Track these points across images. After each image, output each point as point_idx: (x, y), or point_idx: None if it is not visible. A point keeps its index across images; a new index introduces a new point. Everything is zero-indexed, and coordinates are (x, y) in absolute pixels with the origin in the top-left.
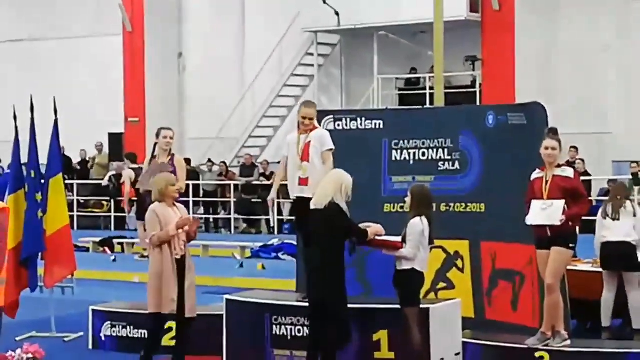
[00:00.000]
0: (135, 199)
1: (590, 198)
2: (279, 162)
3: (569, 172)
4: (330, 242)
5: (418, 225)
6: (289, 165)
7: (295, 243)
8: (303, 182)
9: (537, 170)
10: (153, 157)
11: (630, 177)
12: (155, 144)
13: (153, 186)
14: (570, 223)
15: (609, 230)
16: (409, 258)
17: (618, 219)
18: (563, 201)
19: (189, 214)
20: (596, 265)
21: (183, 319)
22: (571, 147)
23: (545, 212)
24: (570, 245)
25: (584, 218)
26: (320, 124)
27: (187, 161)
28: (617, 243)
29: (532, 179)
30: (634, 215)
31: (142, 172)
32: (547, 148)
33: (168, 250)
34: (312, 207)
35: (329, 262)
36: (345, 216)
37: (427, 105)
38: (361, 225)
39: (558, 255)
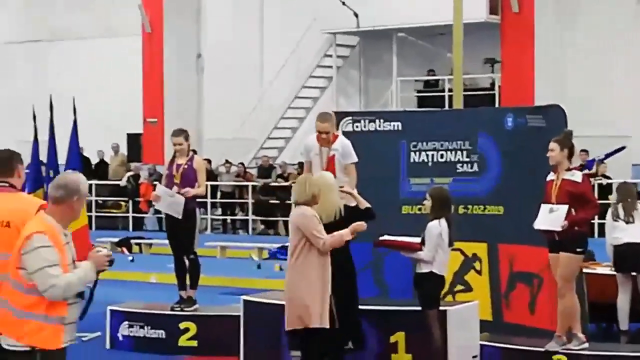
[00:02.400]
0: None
1: (609, 202)
2: (296, 164)
3: (577, 176)
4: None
5: (435, 228)
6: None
7: None
8: None
9: (551, 173)
10: (173, 158)
11: None
12: None
13: (306, 189)
14: (577, 227)
15: (623, 232)
16: (426, 261)
17: (632, 222)
18: (567, 207)
19: (205, 215)
20: (613, 269)
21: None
22: (581, 150)
23: (550, 217)
24: (578, 249)
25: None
26: (338, 126)
27: (207, 162)
28: (632, 244)
29: (547, 181)
30: None
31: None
32: (546, 150)
33: (329, 259)
34: (326, 221)
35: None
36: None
37: (446, 107)
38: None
39: (566, 260)
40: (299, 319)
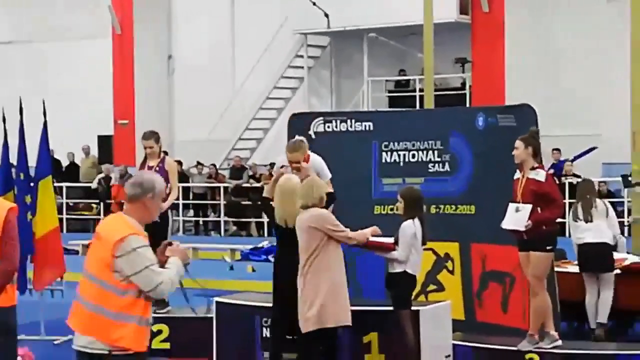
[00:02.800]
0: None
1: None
2: (268, 165)
3: (541, 175)
4: None
5: (410, 228)
6: None
7: None
8: None
9: (517, 172)
10: (145, 160)
11: (620, 178)
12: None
13: (313, 191)
14: (544, 227)
15: (585, 231)
16: (400, 261)
17: (591, 220)
18: (530, 206)
19: (177, 217)
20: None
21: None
22: (554, 149)
23: (516, 216)
24: (548, 247)
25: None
26: (310, 127)
27: (179, 163)
28: (594, 244)
29: (513, 179)
30: (607, 215)
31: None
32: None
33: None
34: (290, 225)
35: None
36: None
37: (417, 107)
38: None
39: (536, 259)
40: (336, 318)
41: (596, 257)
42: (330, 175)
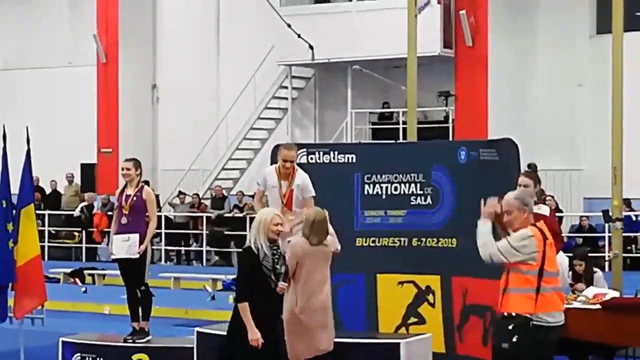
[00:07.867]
0: (107, 230)
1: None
2: (253, 194)
3: (544, 209)
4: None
5: None
6: (272, 208)
7: None
8: None
9: None
10: (123, 188)
11: (601, 214)
12: None
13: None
14: None
15: None
16: None
17: None
18: None
19: (159, 246)
20: None
21: None
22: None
23: None
24: None
25: None
26: None
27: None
28: None
29: None
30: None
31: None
32: (519, 185)
33: None
34: None
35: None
36: (245, 264)
37: (400, 140)
38: None
39: None
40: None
41: None
42: (314, 193)
